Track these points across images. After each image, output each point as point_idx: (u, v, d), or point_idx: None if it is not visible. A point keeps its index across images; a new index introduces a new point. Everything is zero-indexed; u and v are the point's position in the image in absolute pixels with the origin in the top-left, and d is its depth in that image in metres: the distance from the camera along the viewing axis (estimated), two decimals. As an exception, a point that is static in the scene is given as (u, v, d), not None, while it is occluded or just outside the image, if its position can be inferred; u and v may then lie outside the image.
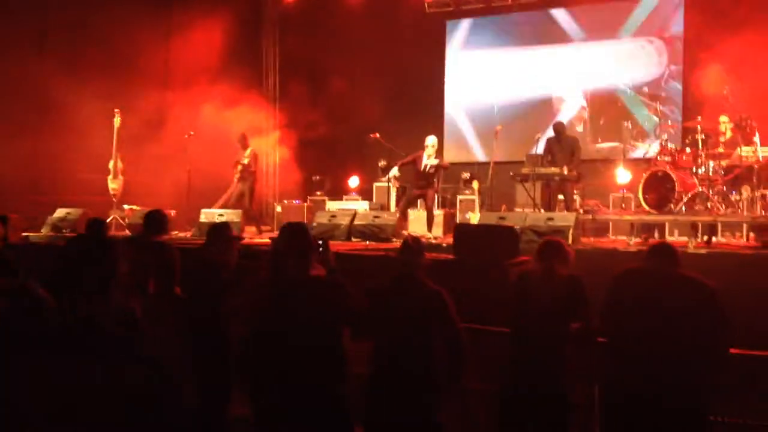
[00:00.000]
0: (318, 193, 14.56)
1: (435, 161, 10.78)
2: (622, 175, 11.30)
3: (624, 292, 4.40)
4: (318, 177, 14.89)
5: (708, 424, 4.35)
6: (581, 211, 10.37)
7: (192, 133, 11.95)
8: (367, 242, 9.69)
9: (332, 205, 13.38)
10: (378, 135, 12.71)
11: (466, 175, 13.67)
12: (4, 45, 11.61)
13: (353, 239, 9.93)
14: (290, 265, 4.25)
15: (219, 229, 5.72)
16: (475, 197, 12.92)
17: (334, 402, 4.17)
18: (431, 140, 10.91)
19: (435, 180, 11.11)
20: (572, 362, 4.55)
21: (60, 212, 11.31)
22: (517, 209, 12.24)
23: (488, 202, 13.14)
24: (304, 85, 15.36)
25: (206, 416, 4.96)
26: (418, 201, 11.95)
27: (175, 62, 13.66)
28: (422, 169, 10.74)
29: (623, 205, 10.82)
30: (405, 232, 9.82)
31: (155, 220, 6.26)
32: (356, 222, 10.10)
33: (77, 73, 11.97)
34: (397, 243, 9.36)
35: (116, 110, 12.03)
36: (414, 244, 4.63)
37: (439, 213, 12.17)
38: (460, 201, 13.22)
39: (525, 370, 4.54)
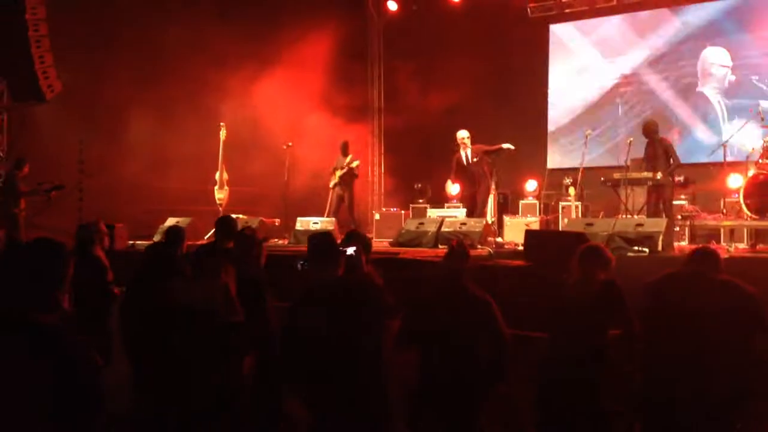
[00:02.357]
0: (420, 200, 14.66)
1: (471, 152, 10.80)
2: (734, 180, 10.79)
3: (660, 296, 4.25)
4: (419, 185, 14.98)
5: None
6: (679, 217, 9.92)
7: (290, 144, 12.33)
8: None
9: (433, 213, 13.44)
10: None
11: (567, 180, 13.40)
12: (122, 65, 12.49)
13: (440, 246, 9.94)
14: (318, 268, 4.38)
15: (242, 234, 5.93)
16: (578, 203, 12.69)
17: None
18: (462, 133, 10.88)
19: (486, 171, 10.97)
20: (611, 368, 4.42)
21: (170, 221, 11.97)
22: (621, 216, 11.90)
23: (593, 208, 12.89)
24: (408, 93, 15.52)
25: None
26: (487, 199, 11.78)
27: (282, 80, 14.13)
28: (467, 164, 10.64)
29: (724, 211, 10.26)
30: (490, 239, 9.76)
31: (225, 226, 6.57)
32: (443, 229, 10.11)
33: (187, 89, 12.69)
34: (481, 250, 9.35)
35: (221, 124, 12.62)
36: (459, 250, 4.63)
37: (534, 220, 12.00)
38: (562, 207, 12.99)
39: (560, 377, 4.46)
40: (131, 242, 10.70)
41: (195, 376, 4.39)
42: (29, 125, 12.10)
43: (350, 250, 4.71)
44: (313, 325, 4.27)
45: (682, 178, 11.17)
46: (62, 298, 2.98)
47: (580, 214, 12.39)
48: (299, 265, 4.84)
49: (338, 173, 12.26)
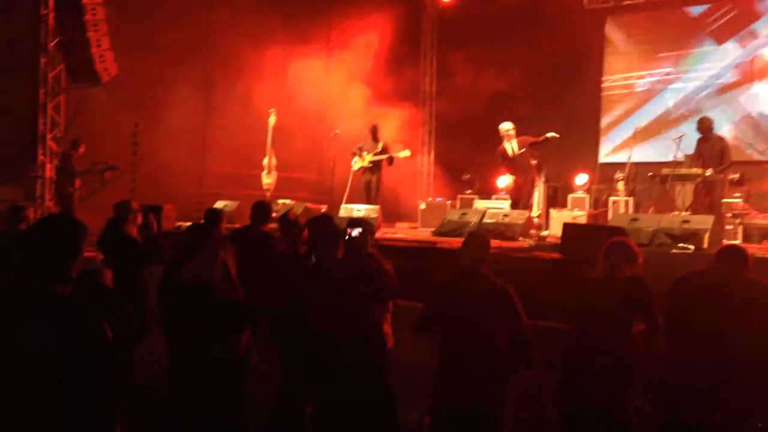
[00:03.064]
0: (468, 191, 14.59)
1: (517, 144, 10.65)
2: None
3: (685, 293, 4.16)
4: (468, 175, 14.90)
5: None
6: (729, 215, 9.65)
7: (337, 131, 12.36)
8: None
9: (480, 204, 13.37)
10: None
11: (618, 175, 13.15)
12: (174, 54, 12.73)
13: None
14: (320, 251, 4.45)
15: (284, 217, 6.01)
16: (629, 198, 12.46)
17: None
18: (506, 125, 10.81)
19: (530, 163, 10.85)
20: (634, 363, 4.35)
21: (218, 204, 12.17)
22: (675, 213, 11.64)
23: (644, 204, 12.63)
24: (459, 81, 15.41)
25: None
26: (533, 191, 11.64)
27: (331, 65, 14.21)
28: (512, 156, 10.61)
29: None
30: (532, 231, 9.66)
31: (260, 211, 6.67)
32: (485, 220, 10.04)
33: (239, 77, 12.87)
34: (522, 242, 9.27)
35: (271, 110, 12.75)
36: (477, 239, 4.64)
37: (581, 214, 11.82)
38: (613, 202, 12.77)
39: (583, 370, 4.41)
40: (179, 224, 10.92)
41: (195, 349, 4.49)
42: (86, 107, 12.41)
43: (355, 232, 4.80)
44: (311, 305, 4.35)
45: (737, 176, 10.87)
46: (75, 270, 3.07)
47: (630, 209, 12.16)
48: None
49: (368, 157, 11.92)
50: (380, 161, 11.90)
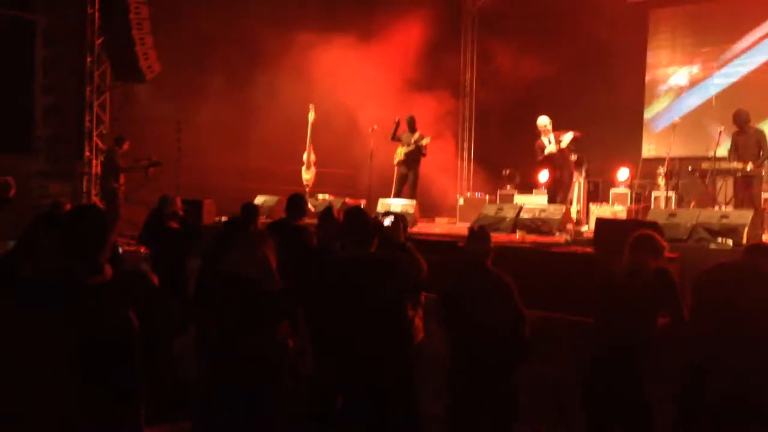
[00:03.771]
0: (507, 186, 14.52)
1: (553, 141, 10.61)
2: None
3: (709, 287, 4.13)
4: (508, 171, 14.84)
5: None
6: (768, 210, 9.47)
7: (375, 127, 12.41)
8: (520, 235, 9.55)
9: (520, 199, 13.29)
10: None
11: (661, 170, 12.96)
12: (216, 51, 12.94)
13: (518, 232, 9.85)
14: (353, 243, 4.52)
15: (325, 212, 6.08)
16: (671, 193, 12.28)
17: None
18: (543, 120, 10.70)
19: (568, 158, 10.77)
20: (657, 356, 4.34)
21: (259, 199, 12.35)
22: (716, 208, 11.45)
23: (686, 199, 12.43)
24: (500, 75, 15.34)
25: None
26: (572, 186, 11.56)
27: (370, 57, 14.24)
28: (547, 153, 10.57)
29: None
30: (569, 226, 9.60)
31: (295, 205, 6.76)
32: (522, 215, 10.02)
33: (279, 72, 13.02)
34: (558, 237, 9.23)
35: (311, 105, 12.87)
36: (480, 233, 4.68)
37: (621, 209, 11.69)
38: (655, 197, 12.60)
39: (607, 363, 4.41)
40: (218, 218, 11.11)
41: (233, 340, 4.60)
42: (130, 104, 12.71)
43: (387, 221, 4.86)
44: (341, 296, 4.42)
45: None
46: (105, 261, 3.18)
47: (673, 205, 11.99)
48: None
49: (402, 150, 11.83)
50: (418, 155, 11.80)
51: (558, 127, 11.19)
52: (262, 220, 8.02)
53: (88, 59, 11.92)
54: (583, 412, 4.64)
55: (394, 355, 4.32)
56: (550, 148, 10.69)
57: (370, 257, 4.49)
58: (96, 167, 11.93)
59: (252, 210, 7.11)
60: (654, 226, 6.79)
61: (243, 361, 4.67)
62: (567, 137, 10.72)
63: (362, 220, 4.63)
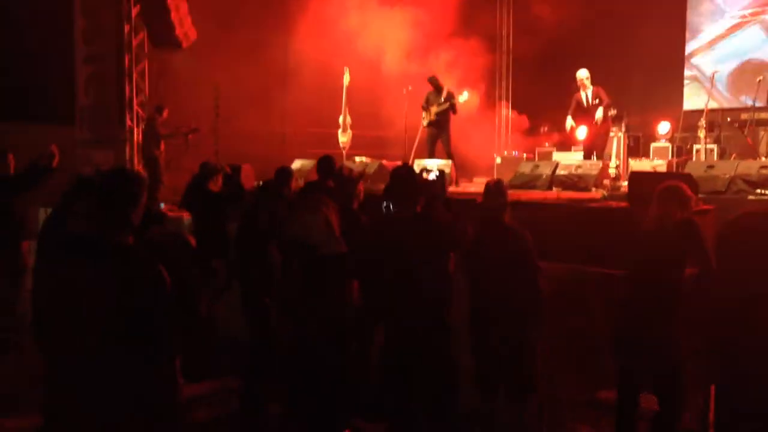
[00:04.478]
0: (546, 144, 14.41)
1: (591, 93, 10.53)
2: None
3: (733, 236, 4.12)
4: (546, 128, 14.71)
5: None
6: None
7: (410, 88, 12.35)
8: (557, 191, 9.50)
9: (558, 156, 13.19)
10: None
11: (702, 122, 12.72)
12: (250, 14, 12.99)
13: (555, 189, 9.82)
14: (397, 203, 4.59)
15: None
16: (713, 146, 12.07)
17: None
18: (582, 73, 10.61)
19: (606, 113, 10.63)
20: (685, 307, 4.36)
21: (296, 163, 12.46)
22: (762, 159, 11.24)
23: (730, 151, 12.20)
24: (536, 30, 15.04)
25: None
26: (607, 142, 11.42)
27: (401, 16, 14.10)
28: (587, 106, 10.45)
29: None
30: (606, 182, 9.53)
31: (325, 166, 6.85)
32: (558, 172, 9.96)
33: (311, 33, 13.04)
34: (595, 193, 9.18)
35: (345, 68, 12.87)
36: (494, 188, 4.72)
37: (661, 163, 11.54)
38: (696, 150, 12.40)
39: (636, 314, 4.46)
40: (257, 182, 11.25)
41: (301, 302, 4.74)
42: (168, 72, 12.86)
43: (432, 176, 4.92)
44: (385, 256, 4.51)
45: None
46: (137, 218, 3.32)
47: (715, 157, 11.79)
48: (384, 208, 5.05)
49: (433, 110, 11.44)
50: (447, 115, 11.41)
51: (596, 82, 11.03)
52: (299, 183, 8.15)
53: (126, 28, 12.06)
54: (615, 364, 4.70)
55: (436, 303, 4.44)
56: (587, 97, 10.54)
57: (418, 217, 4.56)
58: (137, 135, 12.14)
59: (286, 174, 7.22)
60: (686, 177, 6.74)
61: (306, 324, 4.81)
62: (599, 114, 10.58)
63: (408, 179, 4.70)
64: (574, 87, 10.95)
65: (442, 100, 11.36)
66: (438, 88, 11.51)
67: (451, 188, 10.77)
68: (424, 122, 11.65)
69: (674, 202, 4.43)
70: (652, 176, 7.99)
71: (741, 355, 3.97)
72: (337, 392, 4.93)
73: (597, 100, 10.59)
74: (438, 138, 11.56)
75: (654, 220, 4.47)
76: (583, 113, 10.72)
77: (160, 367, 3.11)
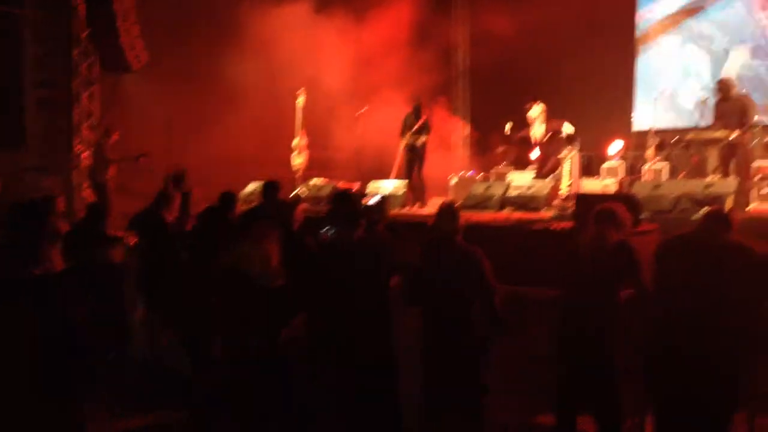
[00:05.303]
0: (503, 164, 14.44)
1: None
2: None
3: (667, 258, 4.16)
4: (502, 148, 14.73)
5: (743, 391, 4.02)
6: (757, 177, 9.43)
7: (366, 108, 12.33)
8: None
9: (515, 176, 13.22)
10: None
11: (651, 142, 12.86)
12: (201, 37, 12.92)
13: (507, 209, 9.85)
14: (339, 226, 4.56)
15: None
16: (664, 164, 12.20)
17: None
18: (535, 111, 11.06)
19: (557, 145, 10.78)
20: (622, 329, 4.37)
21: (250, 186, 12.35)
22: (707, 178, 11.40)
23: (680, 170, 12.34)
24: (492, 60, 15.13)
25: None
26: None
27: (360, 41, 14.14)
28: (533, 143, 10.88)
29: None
30: (556, 202, 9.58)
31: (270, 191, 6.82)
32: (510, 193, 10.01)
33: (266, 58, 12.99)
34: (544, 213, 9.23)
35: (300, 90, 12.82)
36: (447, 212, 4.70)
37: (611, 182, 11.65)
38: (646, 170, 12.51)
39: (574, 334, 4.46)
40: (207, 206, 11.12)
41: (234, 336, 4.63)
42: (120, 95, 12.72)
43: (372, 201, 4.92)
44: (331, 278, 4.47)
45: (768, 138, 10.55)
46: (49, 253, 3.22)
47: (665, 176, 11.92)
48: (325, 231, 5.01)
49: (408, 135, 11.62)
50: (423, 143, 11.58)
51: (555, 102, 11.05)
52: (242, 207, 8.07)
53: (75, 51, 11.92)
54: (554, 385, 4.68)
55: (376, 334, 4.39)
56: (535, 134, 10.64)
57: (357, 244, 4.53)
58: (86, 160, 11.95)
59: (229, 198, 7.17)
60: (629, 198, 6.81)
61: (239, 358, 4.70)
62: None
63: (348, 203, 4.68)
64: (524, 123, 11.01)
65: (417, 127, 11.52)
66: (418, 115, 11.66)
67: (405, 210, 10.82)
68: (401, 146, 11.81)
69: (609, 224, 4.45)
70: (598, 198, 8.05)
71: (677, 374, 3.99)
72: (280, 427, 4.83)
73: (549, 134, 10.66)
74: (414, 163, 11.73)
75: (590, 242, 4.48)
76: (530, 148, 10.78)
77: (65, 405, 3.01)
